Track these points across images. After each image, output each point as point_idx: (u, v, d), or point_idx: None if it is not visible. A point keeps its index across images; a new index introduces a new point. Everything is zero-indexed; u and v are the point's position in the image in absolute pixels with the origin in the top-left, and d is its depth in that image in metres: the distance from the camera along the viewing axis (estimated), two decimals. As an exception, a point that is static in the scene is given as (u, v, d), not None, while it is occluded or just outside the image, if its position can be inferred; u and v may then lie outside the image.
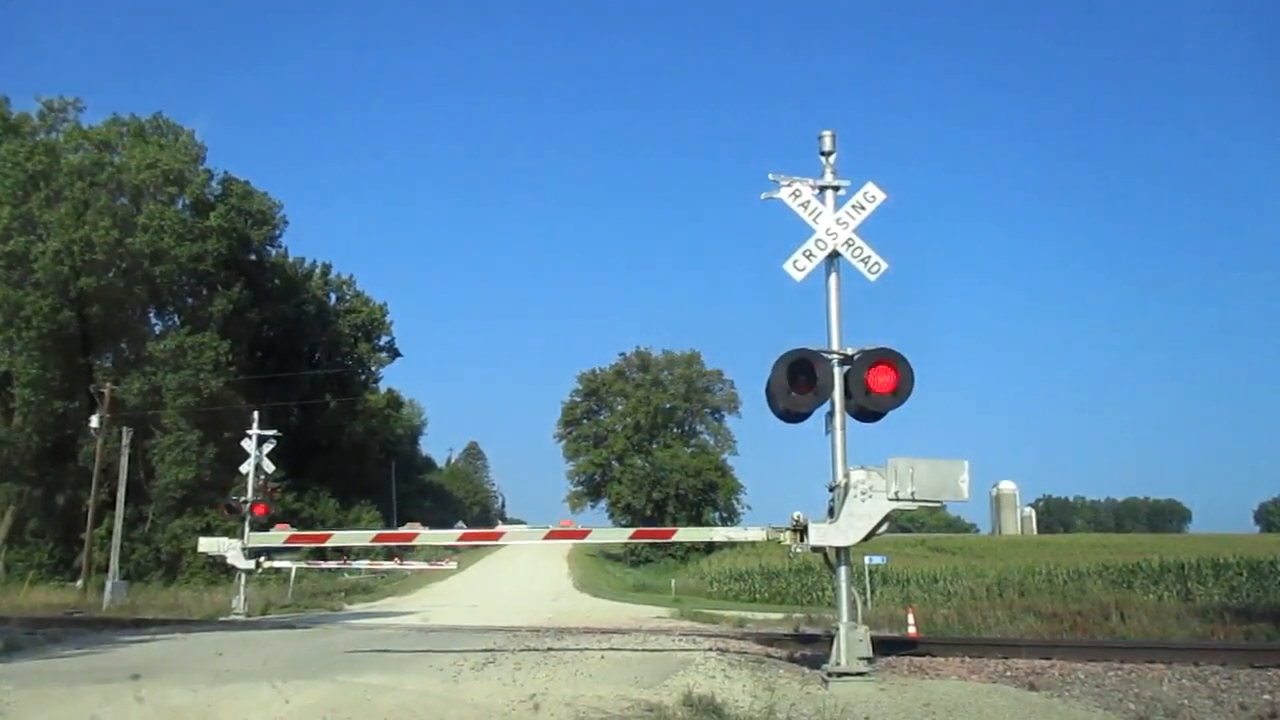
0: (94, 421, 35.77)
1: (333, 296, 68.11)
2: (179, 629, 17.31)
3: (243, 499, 23.84)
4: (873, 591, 30.33)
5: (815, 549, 9.03)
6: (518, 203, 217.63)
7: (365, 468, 68.39)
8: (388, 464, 74.03)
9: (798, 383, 9.03)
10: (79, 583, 34.76)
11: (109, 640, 14.71)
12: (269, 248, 58.50)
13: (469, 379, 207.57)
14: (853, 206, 9.47)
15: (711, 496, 72.33)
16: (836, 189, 9.59)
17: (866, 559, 28.44)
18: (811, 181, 9.62)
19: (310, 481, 54.21)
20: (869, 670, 8.51)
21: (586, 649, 11.77)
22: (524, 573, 51.21)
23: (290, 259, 62.93)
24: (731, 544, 49.69)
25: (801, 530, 8.96)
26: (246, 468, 24.60)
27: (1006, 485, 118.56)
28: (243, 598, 23.19)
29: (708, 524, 59.18)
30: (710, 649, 11.58)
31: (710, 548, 57.06)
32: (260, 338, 56.66)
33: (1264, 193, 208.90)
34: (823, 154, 9.69)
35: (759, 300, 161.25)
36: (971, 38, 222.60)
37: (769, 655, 11.30)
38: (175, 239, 47.18)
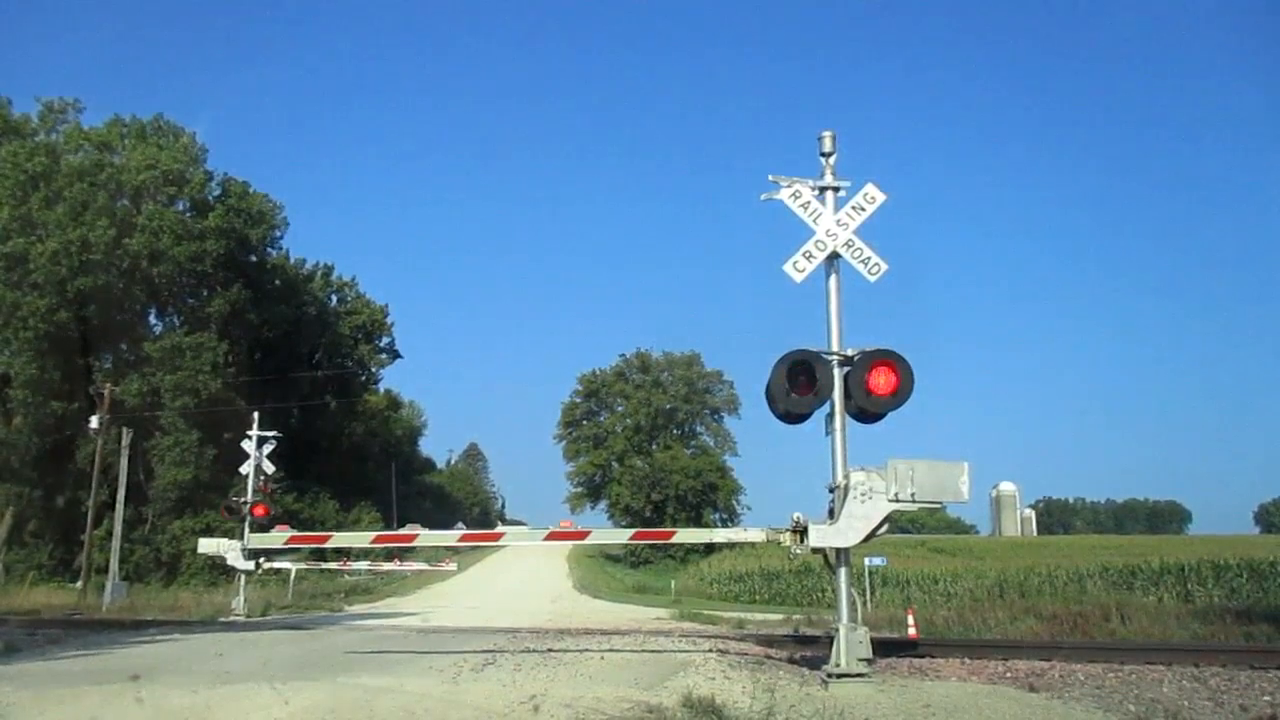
0: (93, 422, 35.69)
1: (334, 298, 68.15)
2: (179, 630, 17.29)
3: (242, 500, 23.80)
4: (872, 593, 30.32)
5: (815, 550, 9.01)
6: (518, 204, 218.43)
7: (365, 469, 68.45)
8: (387, 465, 74.02)
9: (798, 384, 9.01)
10: (79, 584, 34.69)
11: (109, 641, 14.70)
12: (269, 249, 58.48)
13: (469, 380, 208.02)
14: (853, 208, 9.45)
15: (711, 497, 72.36)
16: (836, 190, 9.57)
17: (866, 560, 28.43)
18: (811, 182, 9.60)
19: (310, 482, 54.20)
20: (869, 671, 8.50)
21: (586, 650, 11.75)
22: (524, 574, 51.18)
23: (291, 260, 63.01)
24: (731, 545, 49.72)
25: (801, 531, 8.95)
26: (246, 469, 24.58)
27: (1006, 487, 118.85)
28: (242, 599, 23.17)
29: (707, 525, 59.09)
30: (710, 650, 11.58)
31: (710, 549, 57.07)
32: (260, 339, 56.59)
33: (1264, 195, 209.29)
34: (823, 155, 9.66)
35: (759, 301, 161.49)
36: (974, 39, 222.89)
37: (769, 656, 11.29)
38: (173, 239, 47.11)
